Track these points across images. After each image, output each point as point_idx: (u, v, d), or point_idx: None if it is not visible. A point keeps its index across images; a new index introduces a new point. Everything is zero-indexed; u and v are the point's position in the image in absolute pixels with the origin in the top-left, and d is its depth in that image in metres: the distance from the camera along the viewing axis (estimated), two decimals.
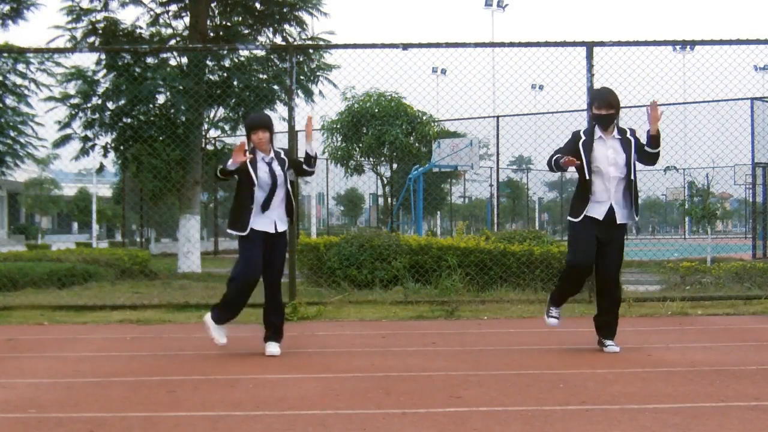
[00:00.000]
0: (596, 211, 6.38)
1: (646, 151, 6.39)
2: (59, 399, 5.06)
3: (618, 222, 6.36)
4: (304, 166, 6.66)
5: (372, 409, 4.70)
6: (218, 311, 6.62)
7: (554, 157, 6.45)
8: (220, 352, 6.77)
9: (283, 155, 6.56)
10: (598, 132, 6.42)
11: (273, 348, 6.55)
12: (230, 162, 6.31)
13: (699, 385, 5.30)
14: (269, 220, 6.44)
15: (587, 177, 6.36)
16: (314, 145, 6.60)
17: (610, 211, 6.35)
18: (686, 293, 10.22)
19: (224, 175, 6.43)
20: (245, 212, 6.41)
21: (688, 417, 4.46)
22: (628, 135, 6.44)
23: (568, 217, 6.62)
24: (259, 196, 6.41)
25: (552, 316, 6.71)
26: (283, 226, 6.51)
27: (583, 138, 6.44)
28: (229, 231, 6.66)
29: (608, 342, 6.58)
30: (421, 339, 7.44)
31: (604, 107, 6.35)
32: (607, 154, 6.35)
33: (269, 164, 6.45)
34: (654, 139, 6.34)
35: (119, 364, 6.38)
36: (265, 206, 6.41)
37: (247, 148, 6.38)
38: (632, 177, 6.38)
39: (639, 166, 6.52)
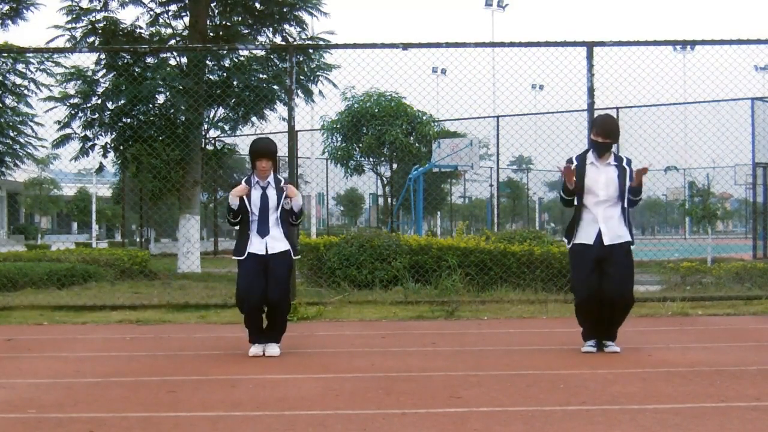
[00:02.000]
0: (586, 235, 6.47)
1: (628, 195, 6.47)
2: (59, 399, 5.05)
3: (606, 244, 6.38)
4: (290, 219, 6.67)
5: (372, 409, 4.70)
6: (248, 332, 6.69)
7: (562, 189, 6.62)
8: (220, 352, 6.77)
9: (282, 184, 6.55)
10: (591, 158, 6.49)
11: (273, 349, 6.54)
12: (231, 199, 6.48)
13: (699, 385, 5.30)
14: (262, 243, 6.48)
15: (576, 202, 6.48)
16: (296, 201, 6.55)
17: (599, 235, 6.41)
18: (687, 293, 10.21)
19: (235, 217, 6.55)
20: (244, 238, 6.52)
21: (688, 417, 4.46)
22: (624, 164, 6.52)
23: (564, 238, 6.77)
24: (254, 221, 6.49)
25: (589, 346, 6.61)
26: (276, 248, 6.50)
27: (576, 163, 6.53)
28: (233, 258, 6.67)
29: (609, 343, 6.58)
30: (421, 339, 7.43)
31: (601, 135, 6.42)
32: (599, 178, 6.45)
33: (264, 188, 6.51)
34: (635, 191, 6.45)
35: (119, 364, 6.37)
36: (260, 230, 6.47)
37: (246, 182, 6.51)
38: (624, 203, 6.44)
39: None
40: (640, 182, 6.44)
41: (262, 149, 6.53)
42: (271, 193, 6.50)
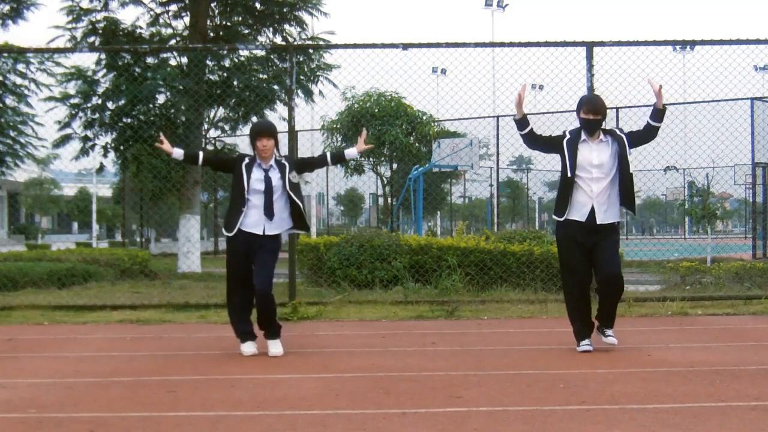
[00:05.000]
0: (578, 212, 6.44)
1: (649, 125, 6.50)
2: (59, 399, 5.06)
3: (598, 223, 6.38)
4: (329, 162, 6.98)
5: (372, 409, 4.70)
6: (233, 327, 6.67)
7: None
8: (220, 352, 6.77)
9: (284, 161, 6.55)
10: (583, 135, 6.48)
11: (275, 348, 6.53)
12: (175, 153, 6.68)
13: (699, 385, 5.30)
14: (260, 223, 6.43)
15: (569, 174, 6.42)
16: (353, 152, 6.91)
17: (591, 213, 6.40)
18: (686, 293, 10.22)
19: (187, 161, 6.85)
20: (235, 214, 6.45)
21: (688, 417, 4.46)
22: (618, 133, 6.50)
23: (554, 216, 6.69)
24: (254, 200, 6.43)
25: (585, 345, 6.56)
26: (273, 230, 6.48)
27: (569, 137, 6.52)
28: (224, 232, 6.72)
29: (608, 332, 6.55)
30: (421, 339, 7.44)
31: (591, 112, 6.40)
32: (591, 155, 6.42)
33: (266, 171, 6.46)
34: (660, 113, 6.48)
35: (119, 364, 6.38)
36: (267, 212, 6.42)
37: (247, 164, 6.53)
38: (620, 177, 6.41)
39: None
40: (662, 102, 6.44)
41: (262, 127, 6.54)
42: (274, 174, 6.46)
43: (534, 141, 6.70)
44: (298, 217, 6.55)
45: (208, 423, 4.45)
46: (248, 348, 6.56)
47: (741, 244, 24.45)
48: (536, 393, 5.09)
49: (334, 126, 24.41)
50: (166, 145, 6.69)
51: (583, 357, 6.38)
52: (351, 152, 6.94)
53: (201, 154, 6.89)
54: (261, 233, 6.43)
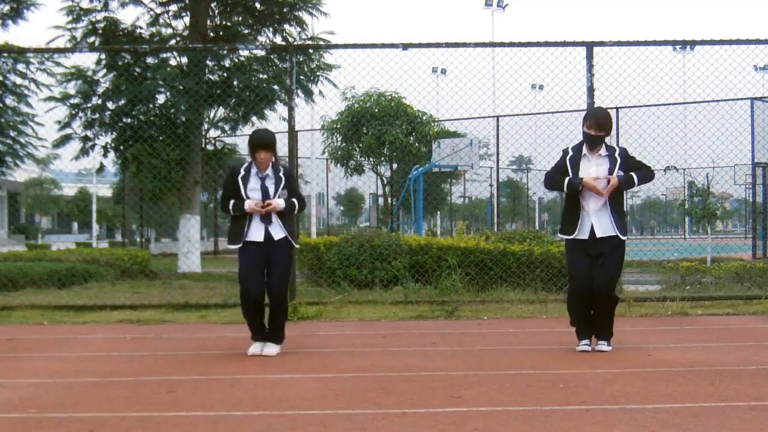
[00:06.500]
0: (581, 228, 6.48)
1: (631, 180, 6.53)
2: (59, 399, 5.06)
3: (598, 236, 6.40)
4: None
5: (372, 409, 4.70)
6: (248, 327, 6.68)
7: (552, 178, 6.64)
8: (220, 352, 6.78)
9: (282, 173, 6.59)
10: (584, 149, 6.53)
11: (270, 349, 6.57)
12: (246, 205, 6.43)
13: (699, 385, 5.31)
14: (263, 231, 6.49)
15: (566, 190, 6.52)
16: (279, 202, 6.51)
17: (592, 229, 6.44)
18: (686, 293, 10.22)
19: (234, 210, 6.55)
20: (240, 226, 6.50)
21: (688, 417, 4.47)
22: (617, 154, 6.54)
23: (560, 234, 6.74)
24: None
25: (583, 345, 6.62)
26: (279, 234, 6.52)
27: (571, 153, 6.59)
28: (228, 246, 6.71)
29: (600, 341, 6.58)
30: (421, 339, 7.44)
31: (594, 128, 6.44)
32: (590, 170, 6.47)
33: (262, 179, 6.52)
34: (628, 182, 6.50)
35: (119, 364, 6.38)
36: (263, 218, 6.48)
37: (245, 170, 6.55)
38: (616, 193, 6.45)
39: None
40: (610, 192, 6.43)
41: (261, 141, 6.53)
42: (270, 183, 6.52)
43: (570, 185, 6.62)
44: (287, 226, 6.59)
45: (208, 423, 4.45)
46: (255, 348, 6.59)
47: (741, 244, 24.44)
48: (536, 393, 5.09)
49: (334, 126, 24.43)
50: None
51: (583, 357, 6.38)
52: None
53: (231, 203, 6.55)
54: (263, 239, 6.48)
